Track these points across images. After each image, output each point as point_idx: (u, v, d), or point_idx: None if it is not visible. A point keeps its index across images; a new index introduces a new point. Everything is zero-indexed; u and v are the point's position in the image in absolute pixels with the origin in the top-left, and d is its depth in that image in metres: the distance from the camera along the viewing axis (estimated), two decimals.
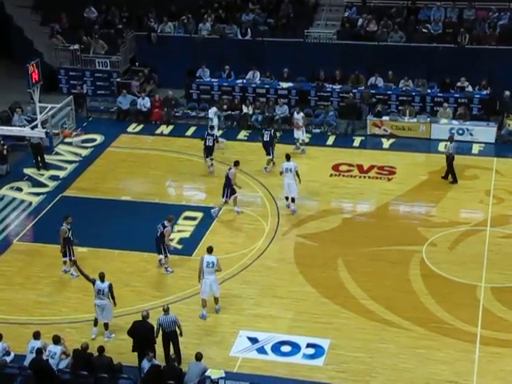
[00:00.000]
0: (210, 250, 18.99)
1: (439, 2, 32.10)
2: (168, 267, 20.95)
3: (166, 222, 20.66)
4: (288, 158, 23.53)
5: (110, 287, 18.12)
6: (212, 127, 26.98)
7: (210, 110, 28.39)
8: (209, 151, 25.94)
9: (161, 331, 17.28)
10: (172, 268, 20.95)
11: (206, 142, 25.87)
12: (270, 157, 25.83)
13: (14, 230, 23.14)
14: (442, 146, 27.11)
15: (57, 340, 16.81)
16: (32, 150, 26.60)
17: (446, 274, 20.49)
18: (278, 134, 26.54)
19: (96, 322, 18.33)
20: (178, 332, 17.37)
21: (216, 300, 19.10)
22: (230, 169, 23.61)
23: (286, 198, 23.63)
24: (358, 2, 33.08)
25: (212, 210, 23.44)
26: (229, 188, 23.29)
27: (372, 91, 29.97)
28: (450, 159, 25.04)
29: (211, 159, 26.02)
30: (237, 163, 23.68)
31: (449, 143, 25.35)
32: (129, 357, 17.13)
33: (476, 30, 30.98)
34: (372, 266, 20.90)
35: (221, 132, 28.93)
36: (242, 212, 23.57)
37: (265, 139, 25.81)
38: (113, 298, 18.21)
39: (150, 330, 16.98)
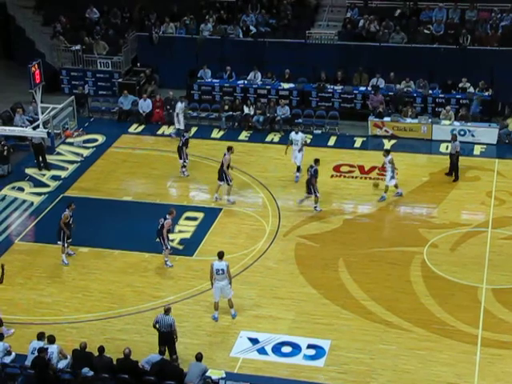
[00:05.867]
0: (220, 256, 18.78)
1: (441, 3, 32.11)
2: (168, 261, 21.02)
3: (167, 215, 20.80)
4: (296, 132, 25.34)
5: None
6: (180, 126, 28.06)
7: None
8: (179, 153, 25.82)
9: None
10: (172, 263, 21.02)
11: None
12: (309, 195, 23.69)
13: (16, 230, 23.14)
14: (443, 147, 27.17)
15: (52, 340, 16.80)
16: (34, 150, 26.60)
17: (447, 275, 20.47)
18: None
19: None
20: (175, 337, 17.36)
21: (230, 303, 18.95)
22: (224, 154, 23.98)
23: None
24: (360, 2, 33.09)
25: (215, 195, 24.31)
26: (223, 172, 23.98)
27: (373, 92, 30.01)
28: (454, 158, 25.13)
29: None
30: (230, 149, 24.01)
31: (452, 142, 25.39)
32: None
33: (478, 31, 31.00)
34: (373, 267, 20.89)
35: (222, 133, 29.08)
36: (234, 202, 24.04)
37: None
38: None
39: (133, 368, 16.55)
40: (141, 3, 34.25)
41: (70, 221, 20.93)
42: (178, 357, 16.80)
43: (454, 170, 25.26)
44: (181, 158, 25.79)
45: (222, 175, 23.90)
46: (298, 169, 25.29)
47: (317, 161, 23.57)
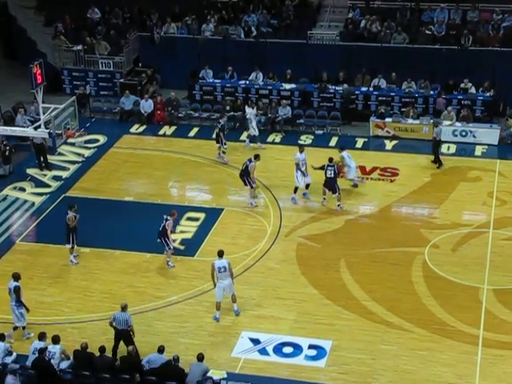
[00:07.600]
0: (220, 254, 18.81)
1: (443, 4, 32.11)
2: (170, 261, 21.05)
3: (168, 216, 20.82)
4: (301, 151, 24.12)
5: (16, 290, 18.03)
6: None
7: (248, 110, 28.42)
8: (216, 138, 26.81)
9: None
10: (174, 263, 21.05)
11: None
12: (337, 194, 23.79)
13: (17, 230, 23.15)
14: (444, 148, 27.13)
15: (56, 340, 16.82)
16: (35, 150, 26.63)
17: (448, 275, 20.46)
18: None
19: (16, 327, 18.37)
20: (132, 333, 17.46)
21: (233, 298, 18.94)
22: (250, 161, 23.72)
23: (296, 189, 24.16)
24: (362, 3, 33.10)
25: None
26: (247, 177, 23.71)
27: (375, 92, 30.03)
28: (435, 143, 25.74)
29: (219, 148, 26.79)
30: (257, 157, 23.99)
31: (434, 128, 25.98)
32: None
33: (479, 32, 30.98)
34: (374, 268, 20.89)
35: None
36: (256, 205, 23.94)
37: (328, 175, 23.70)
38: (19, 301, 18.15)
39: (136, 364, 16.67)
40: (140, 4, 34.26)
41: (76, 221, 20.89)
42: (135, 347, 16.86)
43: (436, 157, 25.82)
44: (219, 143, 26.57)
45: (245, 180, 23.72)
46: (307, 187, 24.30)
47: (331, 159, 23.68)
